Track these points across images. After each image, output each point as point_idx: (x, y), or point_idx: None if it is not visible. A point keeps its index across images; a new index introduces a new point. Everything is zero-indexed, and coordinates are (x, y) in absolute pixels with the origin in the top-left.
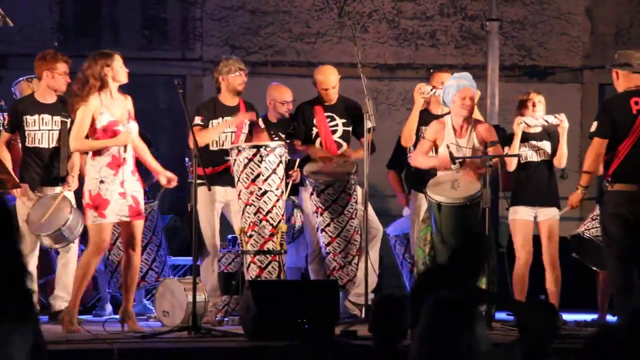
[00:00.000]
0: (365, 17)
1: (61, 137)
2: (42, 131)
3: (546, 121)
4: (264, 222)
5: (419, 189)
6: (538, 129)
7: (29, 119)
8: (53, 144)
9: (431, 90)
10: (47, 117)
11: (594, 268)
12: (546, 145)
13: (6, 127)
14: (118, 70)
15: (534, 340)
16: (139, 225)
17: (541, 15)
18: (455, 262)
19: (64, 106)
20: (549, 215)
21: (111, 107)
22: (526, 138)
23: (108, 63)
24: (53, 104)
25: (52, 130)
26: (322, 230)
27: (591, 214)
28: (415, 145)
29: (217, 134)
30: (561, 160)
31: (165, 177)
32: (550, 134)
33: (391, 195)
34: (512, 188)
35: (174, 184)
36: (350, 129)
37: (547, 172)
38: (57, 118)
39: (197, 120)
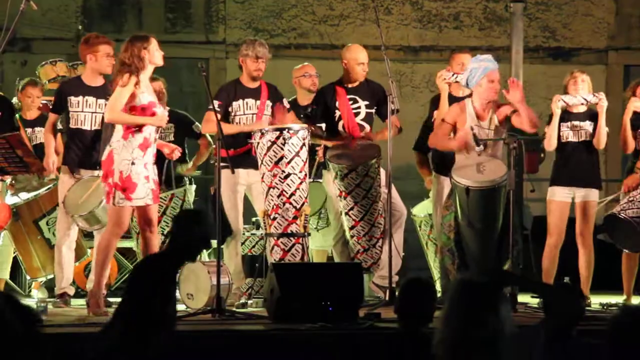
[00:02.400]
0: None
1: (104, 120)
2: (85, 113)
3: (585, 99)
4: (287, 205)
5: (441, 172)
6: (582, 109)
7: (73, 100)
8: (95, 127)
9: (452, 75)
10: (91, 99)
11: (626, 250)
12: (587, 125)
13: (51, 108)
14: (154, 53)
15: (558, 323)
16: (155, 208)
17: None
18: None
19: (110, 90)
20: (587, 196)
21: (149, 89)
22: (568, 118)
23: (145, 46)
24: (99, 87)
25: (96, 112)
26: (346, 213)
27: (628, 195)
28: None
29: (234, 131)
30: (600, 140)
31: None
32: (593, 114)
33: (416, 177)
34: (552, 168)
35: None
36: (373, 111)
37: (586, 153)
38: (102, 101)
39: (215, 104)
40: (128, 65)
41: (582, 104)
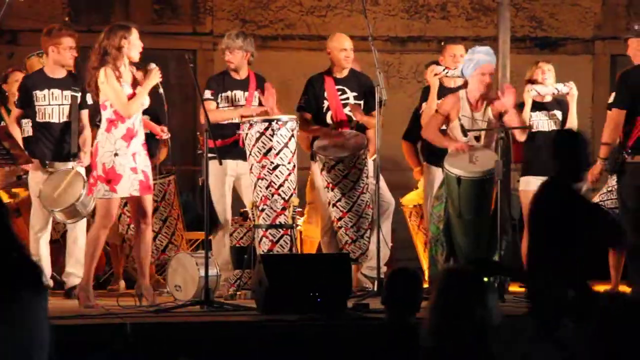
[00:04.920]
0: None
1: (71, 111)
2: (52, 106)
3: (556, 89)
4: (275, 196)
5: (432, 162)
6: (549, 98)
7: (38, 94)
8: (64, 119)
9: (444, 70)
10: (57, 91)
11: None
12: (558, 114)
13: (16, 103)
14: (134, 44)
15: (546, 312)
16: (148, 199)
17: None
18: None
19: (74, 81)
20: None
21: (125, 80)
22: (538, 107)
23: (126, 36)
24: (62, 79)
25: (62, 105)
26: (334, 205)
27: (606, 185)
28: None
29: (227, 117)
30: (572, 128)
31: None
32: (560, 103)
33: (404, 168)
34: (523, 159)
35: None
36: (361, 102)
37: None
38: (67, 93)
39: (207, 94)
40: (108, 54)
41: (554, 93)
